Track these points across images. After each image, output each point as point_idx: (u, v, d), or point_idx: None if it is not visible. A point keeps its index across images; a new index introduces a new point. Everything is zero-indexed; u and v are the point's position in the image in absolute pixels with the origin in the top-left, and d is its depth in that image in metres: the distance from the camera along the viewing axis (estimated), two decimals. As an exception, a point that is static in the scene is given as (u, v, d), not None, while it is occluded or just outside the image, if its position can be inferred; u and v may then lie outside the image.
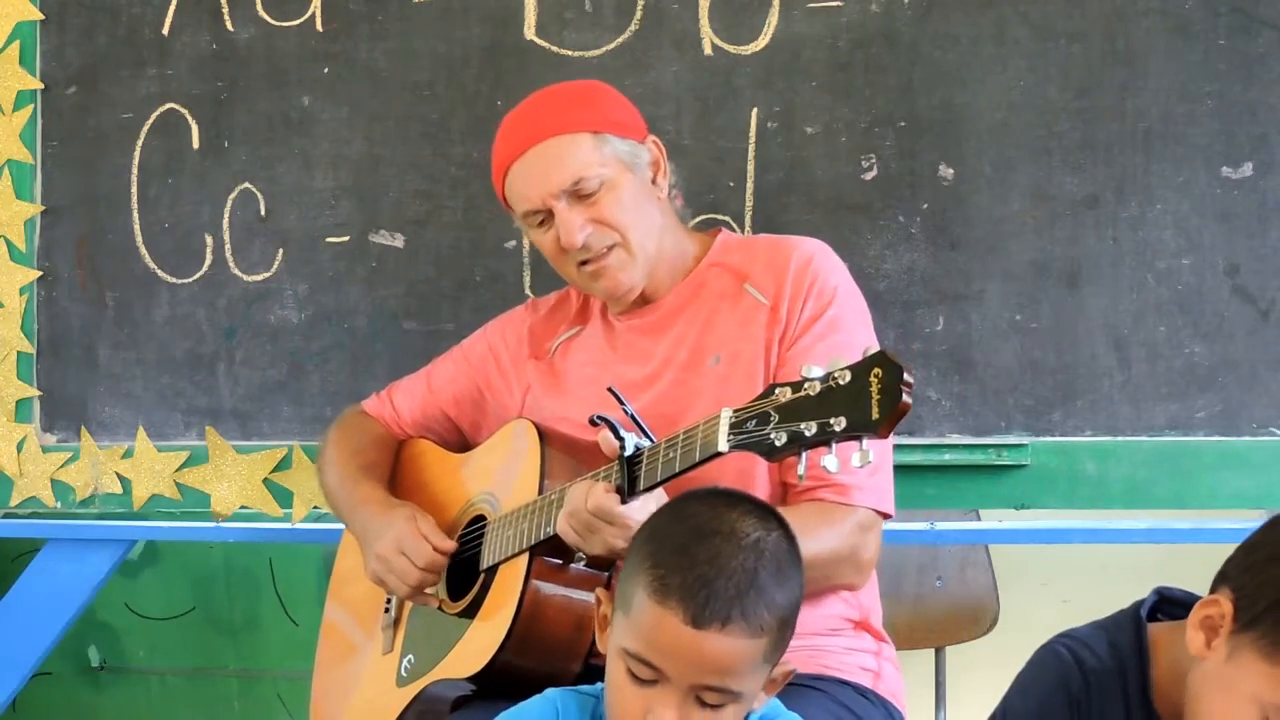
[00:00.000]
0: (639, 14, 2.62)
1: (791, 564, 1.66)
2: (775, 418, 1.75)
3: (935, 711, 3.27)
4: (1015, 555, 3.48)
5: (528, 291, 2.66)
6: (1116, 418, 2.41)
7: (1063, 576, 3.71)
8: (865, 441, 1.69)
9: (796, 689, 2.00)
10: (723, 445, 1.81)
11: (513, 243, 2.69)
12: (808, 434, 1.71)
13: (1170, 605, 1.78)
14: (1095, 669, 1.73)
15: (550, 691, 1.75)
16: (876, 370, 1.68)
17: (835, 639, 2.15)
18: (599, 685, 1.72)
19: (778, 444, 1.74)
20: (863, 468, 1.71)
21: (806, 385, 1.73)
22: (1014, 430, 2.45)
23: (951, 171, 2.48)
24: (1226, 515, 2.65)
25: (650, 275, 2.21)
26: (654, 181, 2.21)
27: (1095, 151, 2.42)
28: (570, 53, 2.66)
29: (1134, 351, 2.41)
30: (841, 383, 1.70)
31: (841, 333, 2.15)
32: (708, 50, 2.58)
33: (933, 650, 3.31)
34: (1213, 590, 1.65)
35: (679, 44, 2.59)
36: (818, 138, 2.53)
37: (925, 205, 2.49)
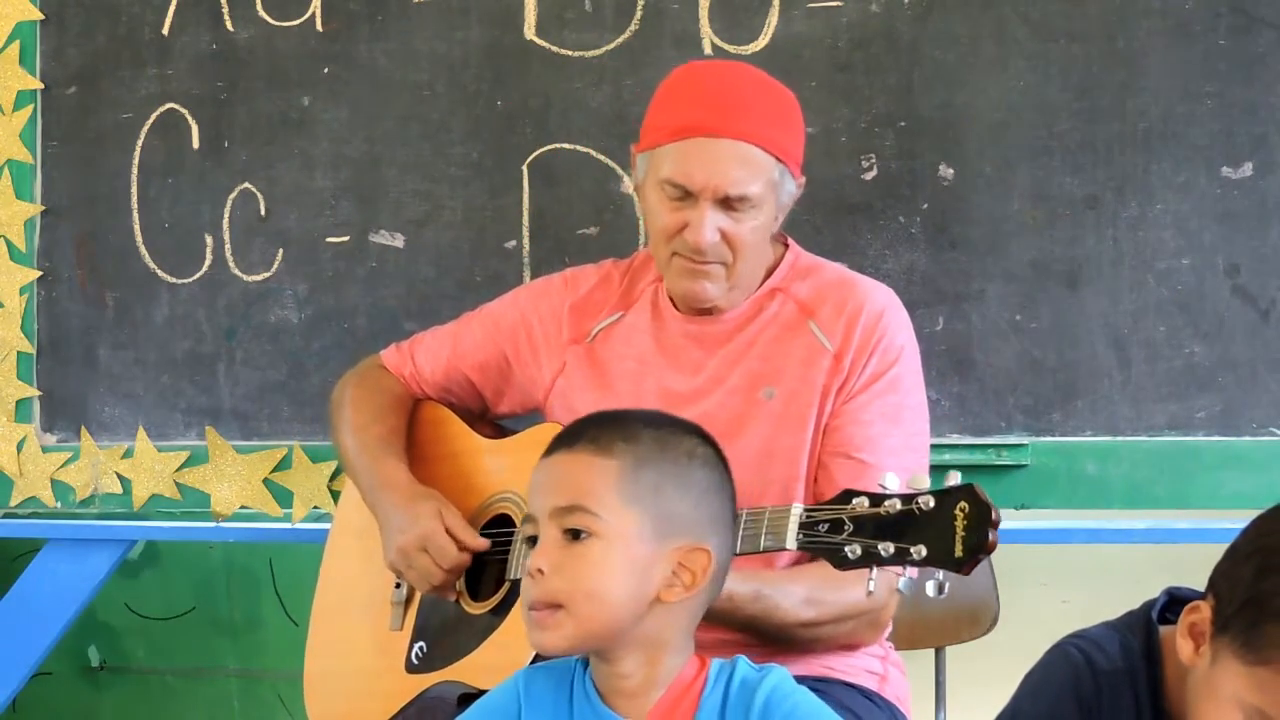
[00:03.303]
0: (639, 14, 2.62)
1: (670, 430, 1.69)
2: (849, 528, 1.72)
3: (935, 711, 3.26)
4: (1015, 555, 3.47)
5: (528, 291, 2.65)
6: (1116, 418, 2.41)
7: (1063, 576, 3.71)
8: (942, 574, 1.67)
9: (802, 690, 2.00)
10: (790, 544, 1.80)
11: (513, 242, 2.69)
12: (884, 554, 1.69)
13: (1181, 606, 1.77)
14: (1107, 670, 1.72)
15: (518, 672, 1.73)
16: (963, 504, 1.67)
17: (842, 643, 2.15)
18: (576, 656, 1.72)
19: (850, 557, 1.72)
20: (939, 595, 1.70)
21: (886, 503, 1.70)
22: (1014, 430, 2.45)
23: (951, 171, 2.48)
24: (1226, 515, 2.64)
25: (730, 297, 2.18)
26: (776, 218, 2.18)
27: (1095, 151, 2.42)
28: (570, 53, 2.66)
29: (1134, 351, 2.41)
30: (924, 508, 1.68)
31: (899, 394, 2.14)
32: (708, 50, 2.58)
33: (933, 650, 3.30)
34: (1203, 597, 1.65)
35: (679, 44, 2.59)
36: (818, 138, 2.53)
37: (925, 205, 2.49)
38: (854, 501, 1.73)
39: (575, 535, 1.61)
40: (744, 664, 1.69)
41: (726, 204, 2.09)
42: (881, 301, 2.18)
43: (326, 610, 2.42)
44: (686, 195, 2.10)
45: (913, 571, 1.70)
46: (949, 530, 1.67)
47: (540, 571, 1.60)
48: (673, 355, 2.22)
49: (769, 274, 2.22)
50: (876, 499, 1.72)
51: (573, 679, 1.69)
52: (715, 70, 2.25)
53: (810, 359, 2.15)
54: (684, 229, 2.11)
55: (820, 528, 1.76)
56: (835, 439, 2.11)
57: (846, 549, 1.72)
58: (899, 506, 1.70)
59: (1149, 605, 1.78)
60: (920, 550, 1.68)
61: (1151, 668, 1.71)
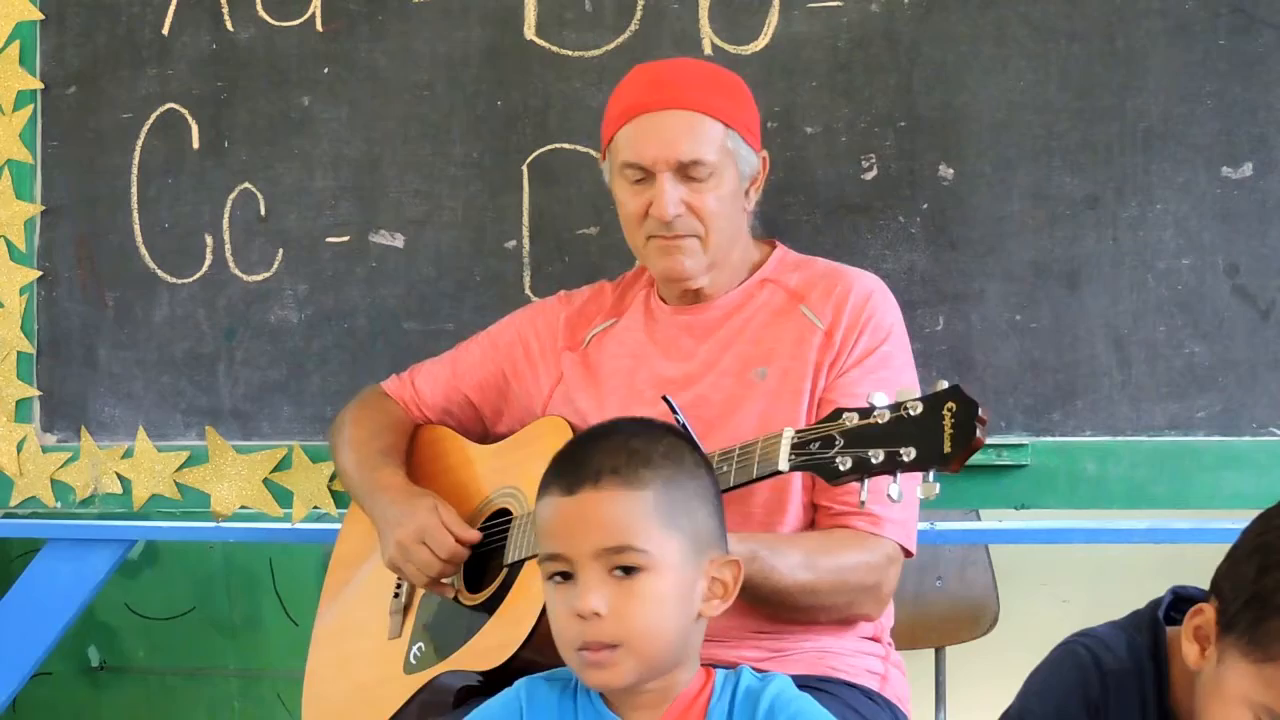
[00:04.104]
0: (639, 14, 2.62)
1: (666, 442, 1.68)
2: (840, 442, 1.76)
3: (935, 711, 3.27)
4: (1015, 555, 3.48)
5: (528, 291, 2.66)
6: (1116, 418, 2.41)
7: (1063, 576, 3.71)
8: (932, 474, 1.69)
9: (803, 690, 2.00)
10: (783, 465, 1.82)
11: (513, 242, 2.69)
12: (874, 461, 1.72)
13: (1187, 604, 1.78)
14: (1114, 670, 1.72)
15: (520, 682, 1.74)
16: (950, 404, 1.69)
17: (843, 642, 2.15)
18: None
19: (841, 468, 1.75)
20: (927, 498, 1.71)
21: (875, 413, 1.73)
22: (1014, 430, 2.45)
23: (951, 171, 2.48)
24: (1226, 515, 2.64)
25: (713, 277, 2.21)
26: (747, 193, 2.21)
27: (1095, 151, 2.42)
28: (570, 53, 2.66)
29: (1134, 351, 2.41)
30: (912, 413, 1.71)
31: (890, 370, 2.15)
32: (708, 50, 2.58)
33: (933, 650, 3.30)
34: (1206, 597, 1.66)
35: (679, 44, 2.59)
36: (818, 138, 2.53)
37: (925, 205, 2.49)
38: (844, 417, 1.77)
39: (625, 571, 1.60)
40: (748, 673, 1.70)
41: (684, 174, 2.13)
42: (870, 285, 2.22)
43: (324, 634, 2.44)
44: (645, 174, 2.15)
45: (908, 478, 1.72)
46: (937, 429, 1.69)
47: (597, 614, 1.59)
48: (665, 346, 2.25)
49: (759, 267, 2.26)
50: (865, 412, 1.75)
51: (576, 686, 1.70)
52: (657, 62, 2.29)
53: (801, 337, 2.17)
54: (650, 208, 2.15)
55: (812, 445, 1.79)
56: (829, 409, 2.11)
57: (838, 461, 1.76)
58: (888, 416, 1.73)
59: (1155, 604, 1.77)
60: (910, 452, 1.70)
61: (1158, 667, 1.72)
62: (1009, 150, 2.46)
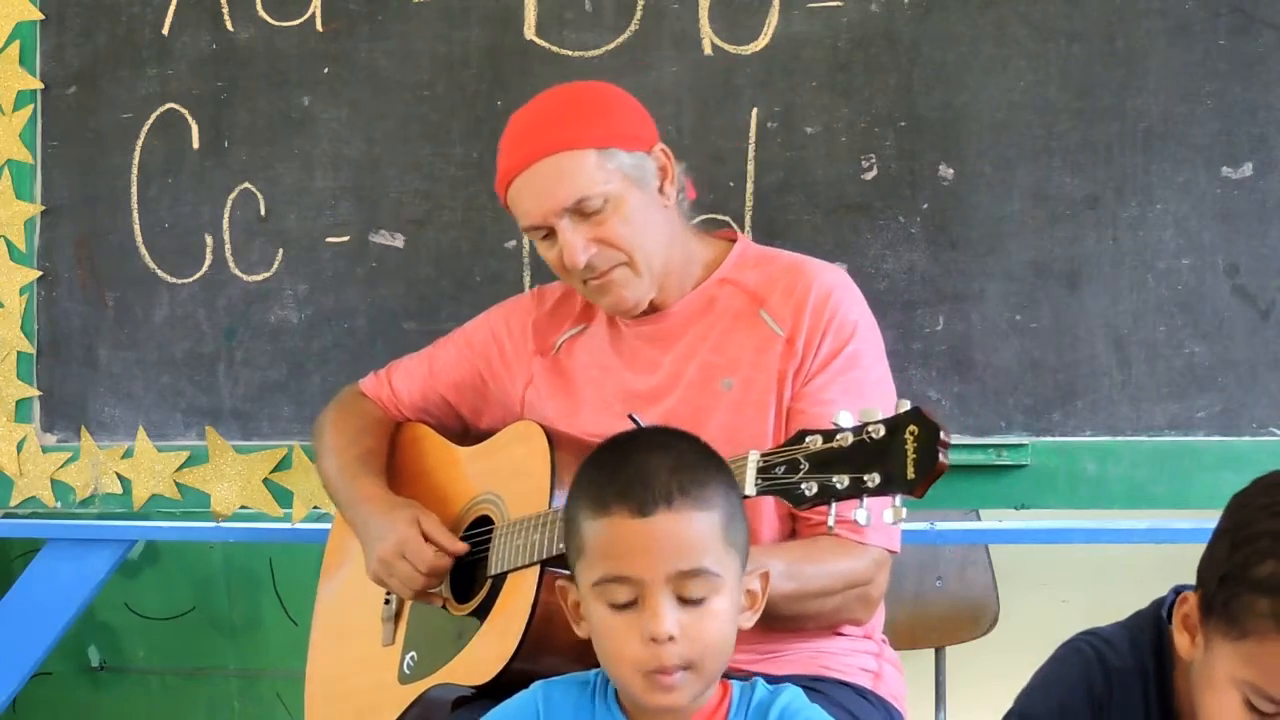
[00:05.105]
0: (639, 14, 2.62)
1: (714, 455, 1.68)
2: (805, 466, 1.75)
3: (935, 711, 3.27)
4: (1015, 555, 3.48)
5: (527, 292, 2.65)
6: (1116, 418, 2.41)
7: (1063, 576, 3.71)
8: (898, 499, 1.69)
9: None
10: (750, 490, 1.80)
11: (513, 242, 2.69)
12: (839, 487, 1.72)
13: None
14: (1118, 668, 1.73)
15: (537, 684, 1.73)
16: (912, 427, 1.68)
17: (836, 640, 2.14)
18: (596, 670, 1.70)
19: (808, 494, 1.74)
20: (895, 523, 1.71)
21: (839, 436, 1.73)
22: (1014, 430, 2.45)
23: (951, 171, 2.48)
24: (1226, 515, 2.64)
25: (660, 288, 2.19)
26: (661, 190, 2.17)
27: (1095, 151, 2.42)
28: (570, 53, 2.66)
29: (1134, 351, 2.41)
30: (875, 436, 1.70)
31: (860, 369, 2.14)
32: (708, 50, 2.58)
33: (933, 650, 3.30)
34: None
35: (679, 44, 2.59)
36: (818, 138, 2.53)
37: (925, 205, 2.49)
38: (807, 440, 1.76)
39: (687, 598, 1.59)
40: (761, 685, 1.71)
41: (579, 214, 2.11)
42: (830, 281, 2.18)
43: (321, 639, 2.44)
44: (546, 229, 2.14)
45: (873, 502, 1.71)
46: (900, 454, 1.68)
47: (671, 638, 1.57)
48: (630, 358, 2.23)
49: (717, 266, 2.23)
50: (829, 435, 1.74)
51: (594, 693, 1.69)
52: (516, 117, 2.22)
53: (763, 346, 2.15)
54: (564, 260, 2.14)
55: (778, 470, 1.78)
56: (799, 421, 2.09)
57: (803, 486, 1.75)
58: (851, 439, 1.72)
59: (1158, 604, 1.78)
60: (874, 478, 1.70)
61: (1160, 665, 1.72)
62: (1009, 150, 2.46)
